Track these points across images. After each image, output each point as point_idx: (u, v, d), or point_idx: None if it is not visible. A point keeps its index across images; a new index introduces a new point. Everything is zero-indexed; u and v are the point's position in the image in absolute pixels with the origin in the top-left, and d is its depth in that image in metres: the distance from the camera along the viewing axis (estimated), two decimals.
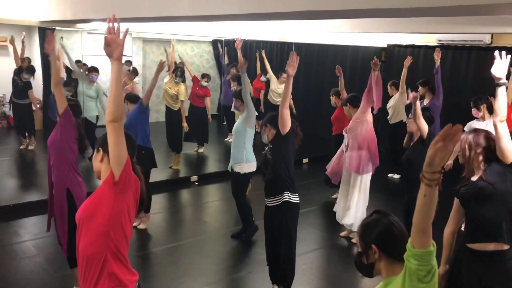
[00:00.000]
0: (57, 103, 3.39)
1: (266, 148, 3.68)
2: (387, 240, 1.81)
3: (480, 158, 2.71)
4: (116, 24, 1.92)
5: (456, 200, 2.86)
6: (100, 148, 2.13)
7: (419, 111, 3.75)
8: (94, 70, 7.21)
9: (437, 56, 6.13)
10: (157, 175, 5.30)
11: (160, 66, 4.97)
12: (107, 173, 2.05)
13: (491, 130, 3.76)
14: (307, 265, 4.49)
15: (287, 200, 3.58)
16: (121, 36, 1.94)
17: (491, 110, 4.94)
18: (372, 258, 1.83)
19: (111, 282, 2.04)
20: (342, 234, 5.09)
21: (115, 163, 1.98)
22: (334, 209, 5.22)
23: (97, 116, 7.28)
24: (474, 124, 4.94)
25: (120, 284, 2.06)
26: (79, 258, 2.07)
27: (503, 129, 2.70)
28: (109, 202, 2.00)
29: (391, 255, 1.80)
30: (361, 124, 4.76)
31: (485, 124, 4.80)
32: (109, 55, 1.94)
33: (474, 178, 2.75)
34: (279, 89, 8.39)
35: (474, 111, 5.08)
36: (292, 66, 3.41)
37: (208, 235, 5.08)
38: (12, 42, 7.21)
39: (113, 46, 1.92)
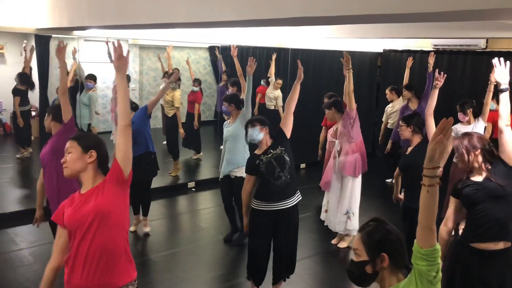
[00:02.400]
0: (63, 111, 3.49)
1: (279, 151, 3.60)
2: (394, 247, 1.80)
3: (480, 159, 2.83)
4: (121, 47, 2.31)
5: (454, 200, 2.90)
6: (93, 150, 2.24)
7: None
8: (91, 77, 7.19)
9: (431, 61, 6.15)
10: (154, 181, 5.29)
11: (174, 77, 4.99)
12: (92, 174, 2.23)
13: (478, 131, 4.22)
14: (305, 270, 4.48)
15: (299, 198, 3.77)
16: (125, 53, 2.31)
17: (476, 115, 5.14)
18: (379, 267, 1.79)
19: (131, 265, 2.30)
20: (335, 241, 5.05)
21: (127, 163, 2.23)
22: (323, 218, 5.14)
23: (89, 124, 7.24)
24: (460, 127, 5.01)
25: (134, 264, 2.34)
26: (92, 255, 2.14)
27: (509, 133, 2.85)
28: (122, 199, 2.22)
29: (396, 262, 1.79)
30: (350, 128, 4.76)
31: (471, 128, 4.95)
32: (118, 69, 2.28)
33: (476, 178, 2.83)
34: (271, 94, 8.43)
35: (460, 115, 5.17)
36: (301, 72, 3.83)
37: (205, 241, 5.07)
38: (26, 49, 7.34)
39: (122, 62, 2.29)
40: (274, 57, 8.65)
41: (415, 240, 1.70)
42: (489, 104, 5.08)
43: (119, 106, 2.24)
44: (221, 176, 4.89)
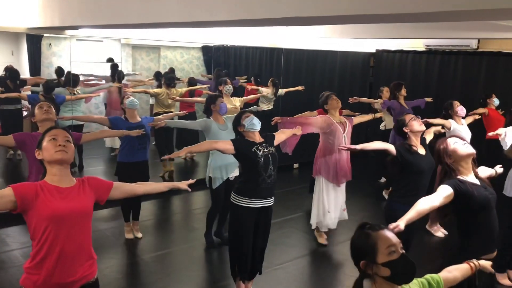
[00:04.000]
0: (86, 137, 4.06)
1: (273, 149, 3.65)
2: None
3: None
4: None
5: (451, 194, 2.65)
6: None
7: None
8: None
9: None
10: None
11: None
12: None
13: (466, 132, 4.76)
14: (298, 270, 4.49)
15: None
16: None
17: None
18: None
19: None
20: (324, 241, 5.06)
21: (116, 197, 2.47)
22: (331, 223, 4.94)
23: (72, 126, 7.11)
24: (457, 126, 5.04)
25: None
26: (74, 251, 2.22)
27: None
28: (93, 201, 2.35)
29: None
30: None
31: (464, 128, 5.12)
32: None
33: (468, 178, 2.74)
34: (271, 96, 8.38)
35: (461, 111, 5.24)
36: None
37: (198, 242, 5.04)
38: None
39: None
40: (301, 88, 8.43)
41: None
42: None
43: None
44: (220, 182, 4.68)
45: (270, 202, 3.71)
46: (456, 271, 2.13)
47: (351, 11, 2.26)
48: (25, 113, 7.78)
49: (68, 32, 6.62)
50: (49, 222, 2.14)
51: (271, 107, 8.56)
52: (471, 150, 2.79)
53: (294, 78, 9.97)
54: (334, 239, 5.13)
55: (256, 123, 3.61)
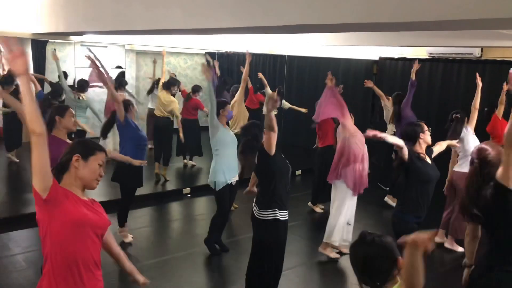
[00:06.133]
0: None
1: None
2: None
3: None
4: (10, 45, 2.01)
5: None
6: None
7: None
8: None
9: (416, 67, 6.15)
10: (147, 187, 5.25)
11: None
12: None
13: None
14: (299, 278, 4.47)
15: None
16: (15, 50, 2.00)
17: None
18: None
19: None
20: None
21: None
22: (349, 233, 4.82)
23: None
24: (467, 134, 5.02)
25: None
26: (92, 266, 2.18)
27: None
28: None
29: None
30: None
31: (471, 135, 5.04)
32: (16, 73, 1.96)
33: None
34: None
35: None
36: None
37: (200, 248, 5.02)
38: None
39: (20, 63, 1.97)
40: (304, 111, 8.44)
41: None
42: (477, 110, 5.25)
43: (28, 115, 1.95)
44: (223, 185, 4.67)
45: (287, 215, 3.57)
46: None
47: (354, 19, 2.27)
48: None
49: (72, 37, 6.66)
50: (73, 227, 2.05)
51: (276, 112, 8.58)
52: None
53: (297, 84, 9.98)
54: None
55: None
